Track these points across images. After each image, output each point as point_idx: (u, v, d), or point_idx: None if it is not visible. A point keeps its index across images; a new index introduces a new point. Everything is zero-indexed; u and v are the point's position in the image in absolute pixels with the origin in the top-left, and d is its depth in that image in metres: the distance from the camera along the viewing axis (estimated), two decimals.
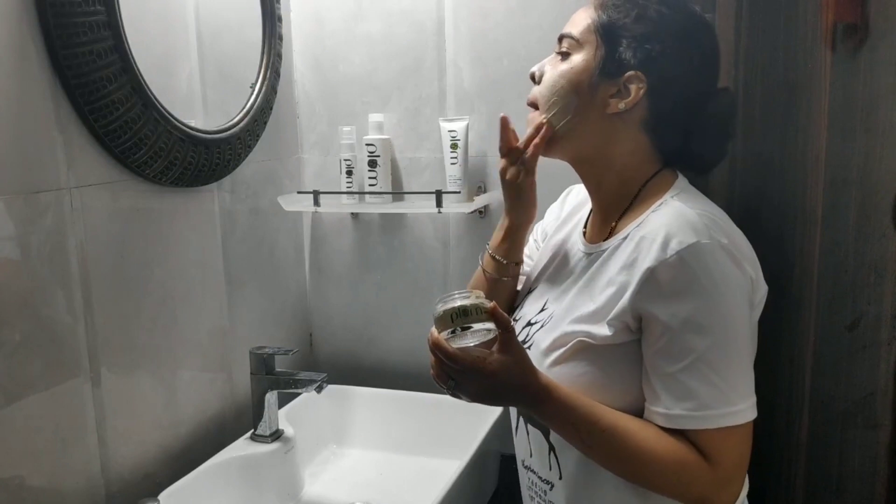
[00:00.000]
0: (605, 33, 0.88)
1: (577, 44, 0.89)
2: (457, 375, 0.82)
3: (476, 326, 0.81)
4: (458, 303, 0.82)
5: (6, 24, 0.96)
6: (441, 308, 0.82)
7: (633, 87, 0.87)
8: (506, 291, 1.04)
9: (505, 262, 1.02)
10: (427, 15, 1.52)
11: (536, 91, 0.93)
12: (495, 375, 0.81)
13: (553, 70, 0.91)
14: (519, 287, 1.07)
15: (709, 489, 0.81)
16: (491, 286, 1.03)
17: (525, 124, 0.95)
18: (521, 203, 0.99)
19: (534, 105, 0.94)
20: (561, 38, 0.92)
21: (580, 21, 0.90)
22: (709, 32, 0.90)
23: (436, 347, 0.82)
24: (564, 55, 0.91)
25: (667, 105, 0.88)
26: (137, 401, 1.20)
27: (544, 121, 0.92)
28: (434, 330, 0.83)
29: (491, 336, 0.82)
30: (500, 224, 1.02)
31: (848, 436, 1.13)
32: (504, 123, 0.99)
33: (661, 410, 0.81)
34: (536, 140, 0.93)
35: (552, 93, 0.90)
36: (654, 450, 0.81)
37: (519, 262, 1.03)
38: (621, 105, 0.87)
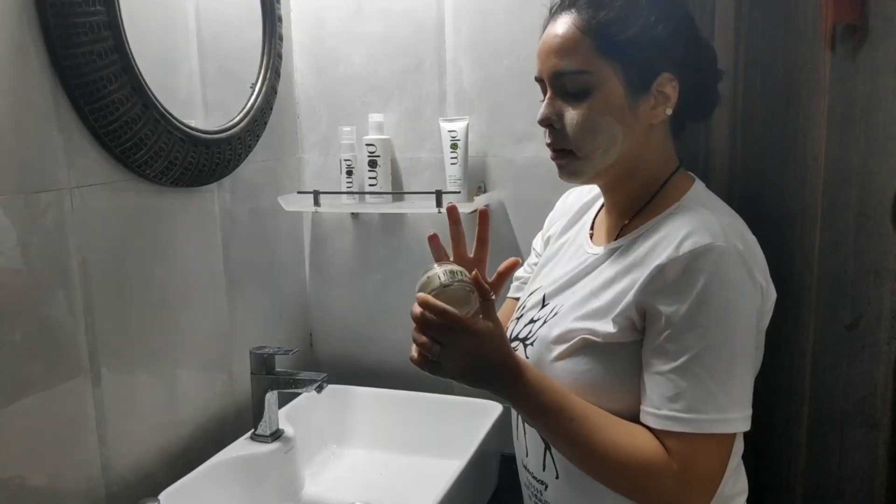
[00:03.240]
0: (615, 51, 0.83)
1: (588, 74, 0.84)
2: (444, 335, 0.80)
3: (458, 286, 0.82)
4: (443, 268, 0.83)
5: (6, 24, 0.96)
6: (425, 275, 0.83)
7: (667, 89, 0.85)
8: None
9: None
10: (427, 15, 1.52)
11: (568, 139, 0.86)
12: (480, 335, 0.79)
13: (579, 109, 0.85)
14: (519, 295, 1.08)
15: (671, 495, 0.79)
16: None
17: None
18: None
19: (563, 151, 0.88)
20: (559, 76, 0.85)
21: (574, 50, 0.84)
22: None
23: (424, 305, 0.80)
24: (577, 90, 0.85)
25: (690, 85, 0.87)
26: (137, 401, 1.20)
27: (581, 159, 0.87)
28: (415, 306, 0.81)
29: (473, 304, 0.82)
30: None
31: (848, 436, 1.13)
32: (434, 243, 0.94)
33: (651, 410, 0.80)
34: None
35: (595, 133, 0.85)
36: (618, 446, 0.79)
37: None
38: (668, 111, 0.86)
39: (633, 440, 0.80)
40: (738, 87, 1.16)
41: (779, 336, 1.16)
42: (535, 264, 1.07)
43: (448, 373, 0.82)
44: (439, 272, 0.83)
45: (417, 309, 0.81)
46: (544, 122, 0.88)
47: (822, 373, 1.14)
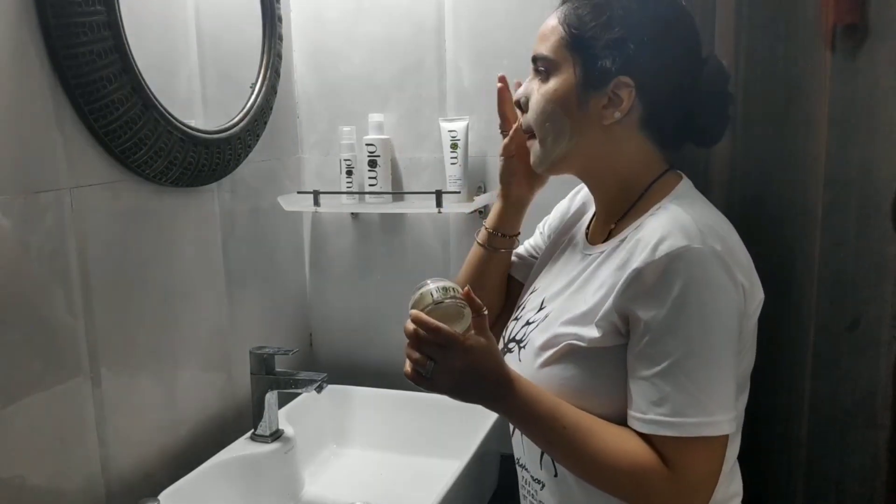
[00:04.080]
0: (578, 46, 0.86)
1: (553, 62, 0.88)
2: (437, 352, 0.80)
3: (451, 303, 0.82)
4: (436, 284, 0.84)
5: (6, 24, 0.96)
6: (418, 292, 0.84)
7: (623, 93, 0.85)
8: (498, 269, 1.06)
9: (493, 231, 1.05)
10: (427, 15, 1.52)
11: (528, 119, 0.92)
12: (472, 352, 0.80)
13: (537, 94, 0.90)
14: (520, 276, 1.08)
15: (666, 499, 0.80)
16: (483, 264, 1.06)
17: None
18: (512, 181, 1.03)
19: (529, 132, 0.93)
20: (535, 60, 0.90)
21: (549, 37, 0.88)
22: (675, 6, 0.89)
23: (417, 322, 0.80)
24: (544, 75, 0.89)
25: (660, 97, 0.87)
26: (137, 401, 1.20)
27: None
28: (409, 322, 0.82)
29: (465, 320, 0.83)
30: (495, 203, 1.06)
31: (848, 436, 1.13)
32: (501, 97, 1.03)
33: (637, 415, 0.80)
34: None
35: (543, 118, 0.89)
36: (612, 452, 0.80)
37: (509, 236, 1.05)
38: (616, 114, 0.86)
39: (625, 445, 0.80)
40: (738, 88, 1.16)
41: (779, 336, 1.16)
42: (535, 246, 1.08)
43: (441, 389, 0.82)
44: (432, 289, 0.83)
45: (411, 326, 0.81)
46: (516, 102, 0.95)
47: (822, 373, 1.14)
